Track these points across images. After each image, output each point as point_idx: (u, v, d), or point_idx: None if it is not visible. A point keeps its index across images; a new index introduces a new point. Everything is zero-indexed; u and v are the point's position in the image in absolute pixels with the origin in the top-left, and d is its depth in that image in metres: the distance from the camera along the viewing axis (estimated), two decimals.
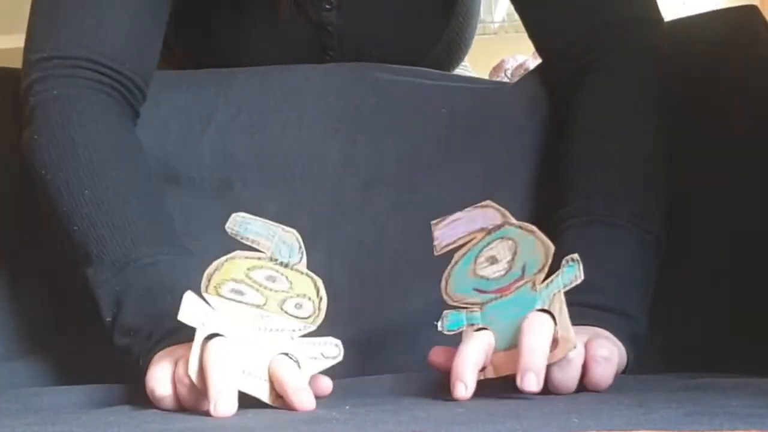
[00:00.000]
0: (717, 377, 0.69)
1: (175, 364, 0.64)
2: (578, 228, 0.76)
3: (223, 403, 0.59)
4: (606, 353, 0.65)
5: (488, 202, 0.66)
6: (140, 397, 0.67)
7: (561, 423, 0.51)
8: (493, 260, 0.67)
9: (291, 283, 0.64)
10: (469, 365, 0.64)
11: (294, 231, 0.63)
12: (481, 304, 0.67)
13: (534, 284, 0.66)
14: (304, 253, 0.64)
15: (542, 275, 0.65)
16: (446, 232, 0.67)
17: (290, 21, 0.94)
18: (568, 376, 0.64)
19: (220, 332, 0.62)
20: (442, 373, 0.68)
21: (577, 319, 0.65)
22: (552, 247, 0.65)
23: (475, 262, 0.67)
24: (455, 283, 0.68)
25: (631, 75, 0.84)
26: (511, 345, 0.65)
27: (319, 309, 0.65)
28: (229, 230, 0.64)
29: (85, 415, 0.62)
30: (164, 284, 0.72)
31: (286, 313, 0.64)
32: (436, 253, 0.67)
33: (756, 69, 0.83)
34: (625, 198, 0.77)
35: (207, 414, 0.59)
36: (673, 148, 0.81)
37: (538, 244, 0.65)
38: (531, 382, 0.61)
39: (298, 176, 0.88)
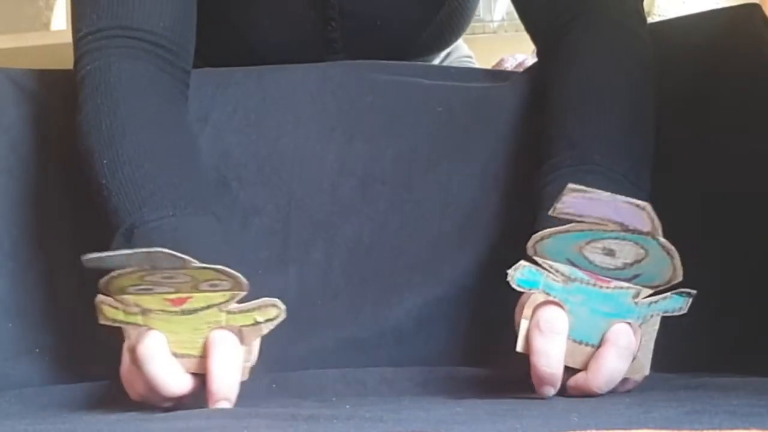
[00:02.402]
0: (717, 376, 0.69)
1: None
2: (576, 175, 0.74)
3: (177, 395, 0.60)
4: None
5: (647, 205, 0.60)
6: None
7: (561, 422, 0.51)
8: (609, 253, 0.62)
9: (191, 276, 0.59)
10: (559, 368, 0.62)
11: (160, 249, 0.57)
12: (567, 278, 0.63)
13: (638, 294, 0.63)
14: (183, 256, 0.58)
15: (649, 291, 0.63)
16: (580, 202, 0.60)
17: None
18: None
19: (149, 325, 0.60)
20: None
21: None
22: (679, 278, 0.62)
23: (589, 243, 0.62)
24: (552, 245, 0.63)
25: (617, 32, 0.84)
26: (585, 340, 0.63)
27: (238, 283, 0.60)
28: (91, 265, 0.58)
29: (87, 414, 0.63)
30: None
31: (205, 290, 0.60)
32: (550, 213, 0.61)
33: (755, 67, 0.83)
34: (621, 153, 0.76)
35: (210, 413, 0.59)
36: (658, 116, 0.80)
37: (669, 268, 0.62)
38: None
39: (296, 175, 0.88)
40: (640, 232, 0.61)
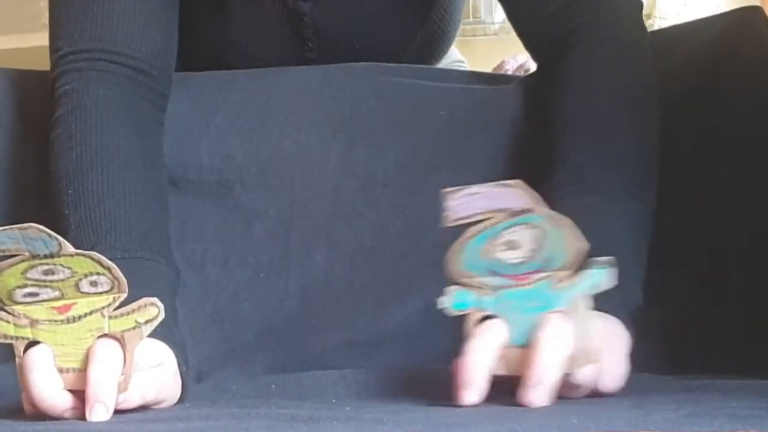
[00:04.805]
0: (717, 378, 0.69)
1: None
2: (576, 196, 0.75)
3: (52, 411, 0.59)
4: (617, 384, 0.65)
5: (518, 181, 0.59)
6: None
7: (561, 424, 0.51)
8: (512, 245, 0.61)
9: (70, 268, 0.60)
10: (482, 368, 0.61)
11: (32, 224, 0.57)
12: (495, 288, 0.62)
13: (557, 281, 0.61)
14: (58, 236, 0.58)
15: (566, 273, 0.61)
16: (462, 204, 0.60)
17: (270, 8, 0.94)
18: (577, 394, 0.63)
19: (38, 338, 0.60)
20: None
21: None
22: (585, 247, 0.60)
23: (491, 243, 0.61)
24: (467, 260, 0.62)
25: (616, 46, 0.84)
26: (527, 342, 0.62)
27: (116, 278, 0.60)
28: None
29: None
30: None
31: (87, 294, 0.61)
32: (445, 225, 0.60)
33: (757, 70, 0.83)
34: (620, 169, 0.76)
35: (209, 413, 0.59)
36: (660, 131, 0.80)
37: (568, 240, 0.60)
38: (541, 397, 0.60)
39: (297, 179, 0.88)
40: (524, 211, 0.60)
